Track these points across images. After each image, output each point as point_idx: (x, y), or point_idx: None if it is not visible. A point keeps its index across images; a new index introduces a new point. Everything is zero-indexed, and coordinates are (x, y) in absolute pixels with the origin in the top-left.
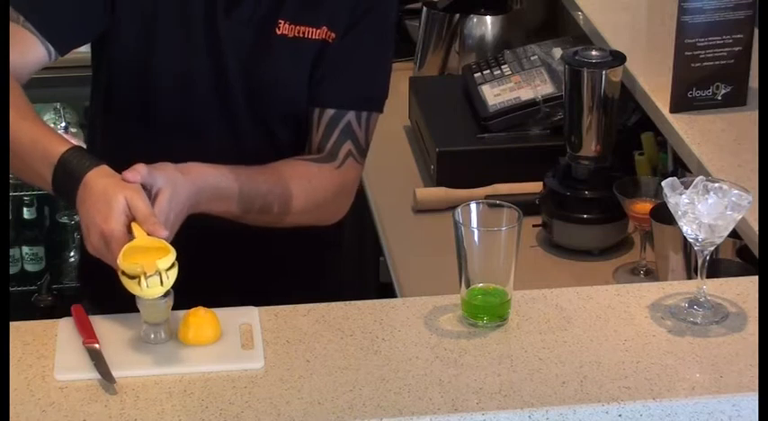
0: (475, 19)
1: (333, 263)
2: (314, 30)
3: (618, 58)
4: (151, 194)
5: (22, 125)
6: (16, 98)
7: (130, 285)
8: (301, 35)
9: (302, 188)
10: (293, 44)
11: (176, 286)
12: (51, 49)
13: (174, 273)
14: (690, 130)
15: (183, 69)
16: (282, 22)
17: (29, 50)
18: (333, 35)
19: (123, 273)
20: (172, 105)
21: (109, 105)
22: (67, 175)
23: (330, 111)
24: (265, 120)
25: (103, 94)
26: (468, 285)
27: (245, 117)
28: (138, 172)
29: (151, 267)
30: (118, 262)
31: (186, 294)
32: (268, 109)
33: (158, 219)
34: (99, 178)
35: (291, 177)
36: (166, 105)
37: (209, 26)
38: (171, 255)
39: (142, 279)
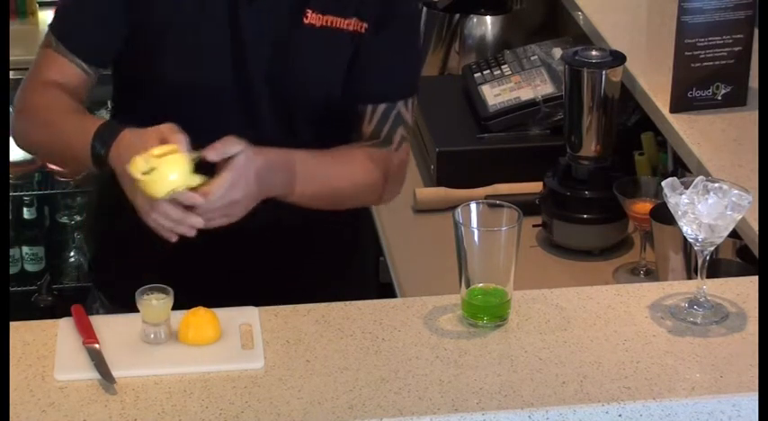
0: (475, 19)
1: (352, 261)
2: (343, 20)
3: (618, 58)
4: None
5: (67, 117)
6: (57, 100)
7: (143, 185)
8: (330, 25)
9: (368, 169)
10: (323, 34)
11: (185, 287)
12: (87, 68)
13: (179, 169)
14: (690, 130)
15: (199, 63)
16: (310, 11)
17: (68, 72)
18: (364, 26)
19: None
20: (189, 102)
21: (128, 105)
22: (105, 138)
23: (382, 106)
24: (290, 119)
25: (123, 93)
26: (468, 285)
27: (266, 116)
28: (215, 149)
29: (144, 157)
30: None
31: (200, 294)
32: (294, 105)
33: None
34: (133, 131)
35: (358, 160)
36: (182, 102)
37: (231, 14)
38: (169, 148)
39: (141, 172)
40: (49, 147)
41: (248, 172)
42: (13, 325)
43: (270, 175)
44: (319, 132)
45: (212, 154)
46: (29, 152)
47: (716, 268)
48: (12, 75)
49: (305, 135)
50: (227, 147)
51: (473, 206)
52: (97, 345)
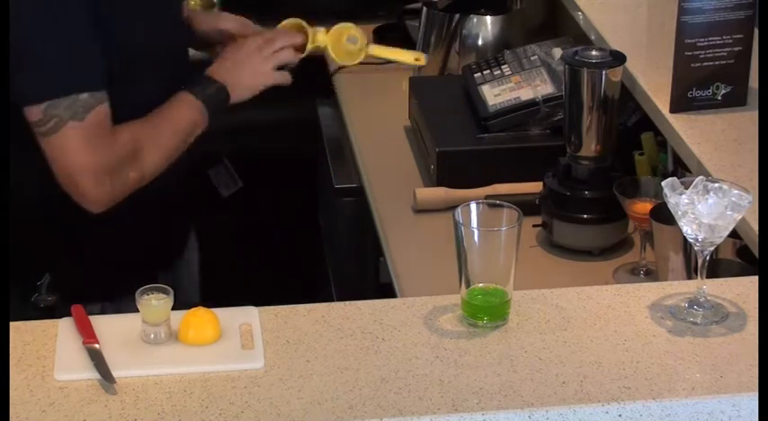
0: (475, 19)
1: None
2: None
3: (618, 58)
4: None
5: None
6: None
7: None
8: None
9: None
10: None
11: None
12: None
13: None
14: (690, 130)
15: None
16: None
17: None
18: None
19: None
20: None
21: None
22: (204, 89)
23: None
24: None
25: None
26: (468, 285)
27: None
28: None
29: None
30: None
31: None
32: None
33: None
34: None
35: None
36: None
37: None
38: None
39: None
40: (167, 147)
41: None
42: (13, 325)
43: None
44: None
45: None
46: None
47: (716, 268)
48: None
49: None
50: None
51: (473, 206)
52: (97, 345)
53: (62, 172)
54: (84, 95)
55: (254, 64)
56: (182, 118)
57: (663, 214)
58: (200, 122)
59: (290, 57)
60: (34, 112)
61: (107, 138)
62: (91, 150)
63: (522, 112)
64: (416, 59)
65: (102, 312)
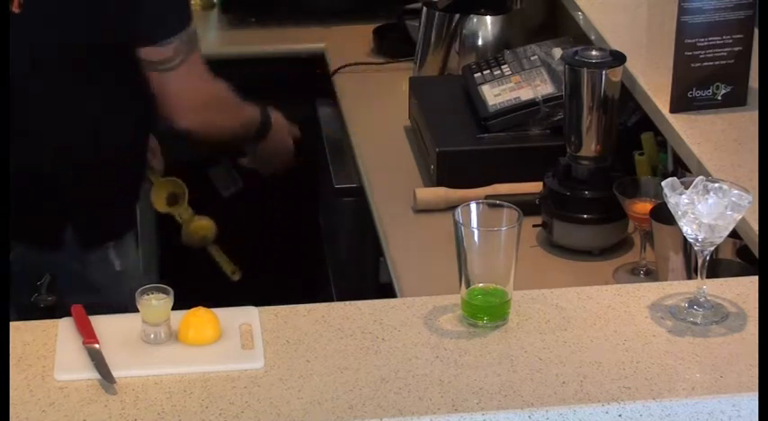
0: (475, 19)
1: None
2: None
3: (618, 58)
4: None
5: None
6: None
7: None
8: None
9: None
10: None
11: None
12: None
13: None
14: (690, 130)
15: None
16: None
17: None
18: None
19: None
20: None
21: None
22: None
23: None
24: None
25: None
26: (468, 285)
27: None
28: None
29: None
30: None
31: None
32: None
33: None
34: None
35: None
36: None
37: None
38: None
39: None
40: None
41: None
42: (13, 325)
43: None
44: None
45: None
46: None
47: (716, 268)
48: None
49: None
50: None
51: (473, 206)
52: (97, 345)
53: (182, 102)
54: (193, 27)
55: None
56: (250, 118)
57: (663, 214)
58: (250, 133)
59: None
60: (160, 51)
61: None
62: (209, 78)
63: (522, 112)
64: (233, 273)
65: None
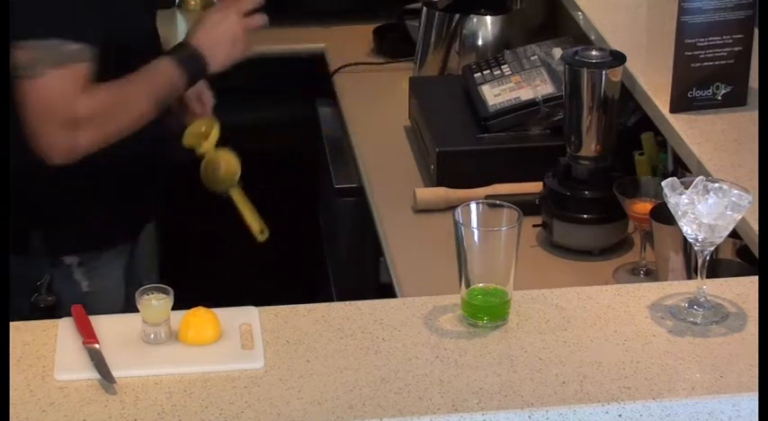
0: (475, 19)
1: None
2: None
3: (618, 58)
4: None
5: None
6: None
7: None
8: None
9: None
10: None
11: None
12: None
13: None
14: (690, 130)
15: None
16: None
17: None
18: None
19: None
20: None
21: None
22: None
23: None
24: None
25: None
26: (468, 285)
27: None
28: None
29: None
30: None
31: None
32: None
33: None
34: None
35: None
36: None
37: None
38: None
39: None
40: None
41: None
42: (13, 325)
43: None
44: None
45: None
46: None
47: (716, 268)
48: None
49: None
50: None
51: (473, 206)
52: (97, 345)
53: (35, 117)
54: (73, 46)
55: (230, 26)
56: (158, 83)
57: (663, 214)
58: (177, 86)
59: (261, 21)
60: (17, 53)
61: (86, 93)
62: (69, 99)
63: (522, 112)
64: (261, 232)
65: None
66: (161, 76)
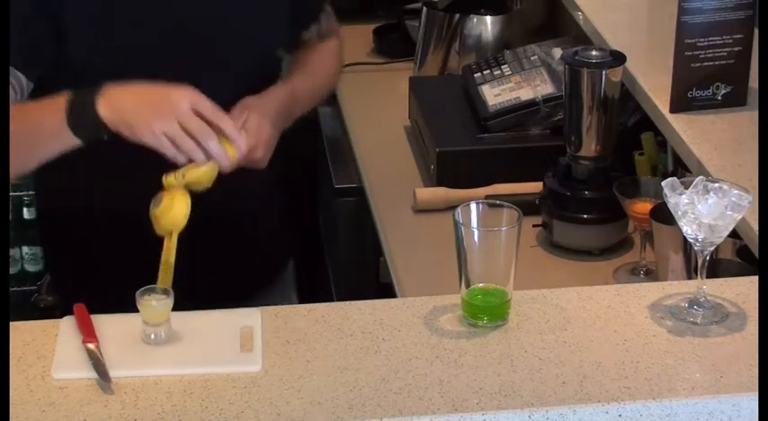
0: (475, 19)
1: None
2: None
3: (618, 58)
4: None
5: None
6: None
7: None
8: None
9: (333, 62)
10: None
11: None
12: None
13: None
14: (690, 130)
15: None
16: None
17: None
18: None
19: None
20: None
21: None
22: (81, 102)
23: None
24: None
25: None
26: (468, 285)
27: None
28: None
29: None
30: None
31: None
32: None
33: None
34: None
35: (324, 57)
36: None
37: None
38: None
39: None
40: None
41: (263, 132)
42: (13, 325)
43: (281, 116)
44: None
45: (231, 129)
46: None
47: (716, 268)
48: None
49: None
50: (238, 118)
51: (473, 206)
52: (94, 345)
53: None
54: None
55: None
56: (43, 127)
57: (663, 214)
58: (65, 143)
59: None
60: None
61: None
62: None
63: (522, 112)
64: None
65: None
66: (49, 122)
